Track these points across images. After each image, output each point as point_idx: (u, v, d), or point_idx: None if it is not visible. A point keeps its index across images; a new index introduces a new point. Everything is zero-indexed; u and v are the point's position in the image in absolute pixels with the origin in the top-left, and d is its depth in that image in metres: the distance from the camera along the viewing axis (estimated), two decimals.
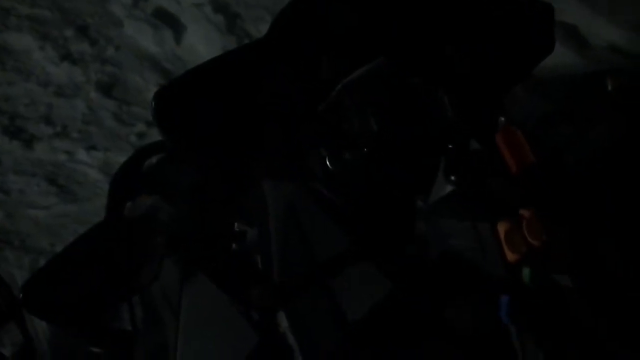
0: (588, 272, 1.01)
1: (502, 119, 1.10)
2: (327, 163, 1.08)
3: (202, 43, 3.03)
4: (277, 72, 1.14)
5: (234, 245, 1.07)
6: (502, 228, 0.96)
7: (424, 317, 0.98)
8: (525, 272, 0.96)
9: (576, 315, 0.99)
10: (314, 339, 0.98)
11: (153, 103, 1.02)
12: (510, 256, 0.96)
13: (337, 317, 0.99)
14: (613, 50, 2.63)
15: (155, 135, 2.81)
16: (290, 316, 0.99)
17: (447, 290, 0.99)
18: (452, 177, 0.98)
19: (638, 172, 1.16)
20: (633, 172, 1.15)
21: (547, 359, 0.93)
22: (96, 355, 1.39)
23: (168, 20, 3.14)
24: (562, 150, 1.13)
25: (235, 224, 1.08)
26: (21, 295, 0.99)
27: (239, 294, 1.05)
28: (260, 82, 1.13)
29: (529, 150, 1.03)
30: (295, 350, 0.97)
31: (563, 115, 1.38)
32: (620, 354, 1.00)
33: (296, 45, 1.15)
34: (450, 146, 1.00)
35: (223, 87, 1.13)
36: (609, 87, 1.42)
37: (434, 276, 1.01)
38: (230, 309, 1.04)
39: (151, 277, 1.11)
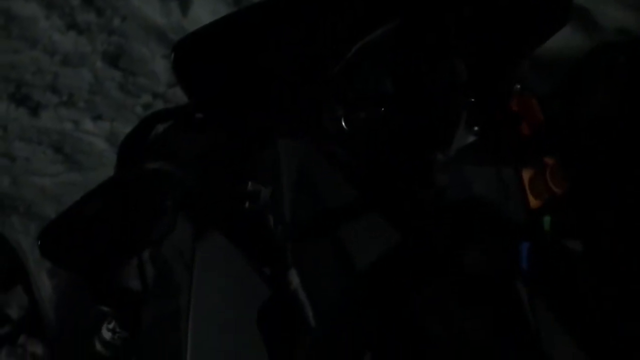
0: (594, 239, 1.02)
1: (518, 86, 1.11)
2: (343, 123, 1.09)
3: (209, 14, 3.01)
4: (285, 33, 1.13)
5: (247, 204, 1.07)
6: (526, 174, 0.97)
7: (434, 265, 0.99)
8: (546, 219, 0.97)
9: (584, 281, 1.01)
10: (324, 295, 0.99)
11: (173, 55, 1.03)
12: (533, 202, 0.97)
13: (346, 271, 1.00)
14: (622, 32, 2.62)
15: (160, 107, 2.81)
16: (301, 273, 1.00)
17: (463, 237, 1.00)
18: (476, 128, 0.99)
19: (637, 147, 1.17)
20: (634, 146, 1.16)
21: (557, 318, 0.95)
22: (103, 315, 1.40)
23: None
24: (569, 117, 1.14)
25: (249, 183, 1.09)
26: (38, 241, 1.00)
27: (251, 251, 1.06)
28: (267, 42, 1.13)
29: (542, 115, 1.05)
30: (306, 305, 0.98)
31: (569, 92, 1.38)
32: (618, 325, 1.02)
33: (303, 5, 1.15)
34: (472, 100, 1.01)
35: (229, 47, 1.12)
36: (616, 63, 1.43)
37: (449, 223, 1.02)
38: (243, 265, 1.06)
39: (161, 234, 1.12)
